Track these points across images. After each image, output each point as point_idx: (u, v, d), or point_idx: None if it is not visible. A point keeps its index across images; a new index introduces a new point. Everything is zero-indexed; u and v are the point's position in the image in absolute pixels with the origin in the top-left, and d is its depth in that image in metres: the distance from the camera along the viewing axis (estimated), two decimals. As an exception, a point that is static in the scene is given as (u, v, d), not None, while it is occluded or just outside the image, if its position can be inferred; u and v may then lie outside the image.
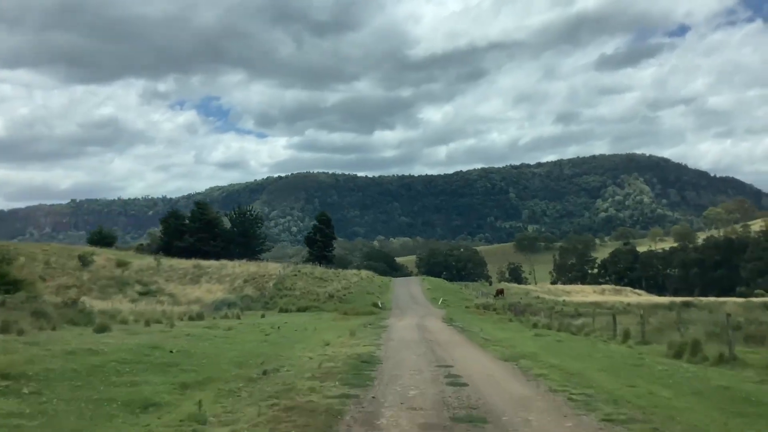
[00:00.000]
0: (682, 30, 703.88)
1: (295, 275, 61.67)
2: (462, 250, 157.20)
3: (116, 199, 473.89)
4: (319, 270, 67.93)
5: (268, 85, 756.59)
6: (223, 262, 64.95)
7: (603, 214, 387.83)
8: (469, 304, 52.77)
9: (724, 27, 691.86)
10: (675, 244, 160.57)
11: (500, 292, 63.72)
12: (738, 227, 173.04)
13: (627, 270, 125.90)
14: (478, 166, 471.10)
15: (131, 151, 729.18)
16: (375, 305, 48.44)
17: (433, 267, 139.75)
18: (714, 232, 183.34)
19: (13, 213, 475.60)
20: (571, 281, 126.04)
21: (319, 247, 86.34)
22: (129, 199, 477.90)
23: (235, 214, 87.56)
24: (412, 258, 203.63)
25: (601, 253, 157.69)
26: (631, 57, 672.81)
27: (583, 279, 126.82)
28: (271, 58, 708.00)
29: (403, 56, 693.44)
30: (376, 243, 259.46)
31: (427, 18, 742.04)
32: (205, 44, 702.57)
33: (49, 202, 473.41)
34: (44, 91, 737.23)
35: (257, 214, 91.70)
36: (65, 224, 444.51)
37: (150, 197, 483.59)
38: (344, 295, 54.94)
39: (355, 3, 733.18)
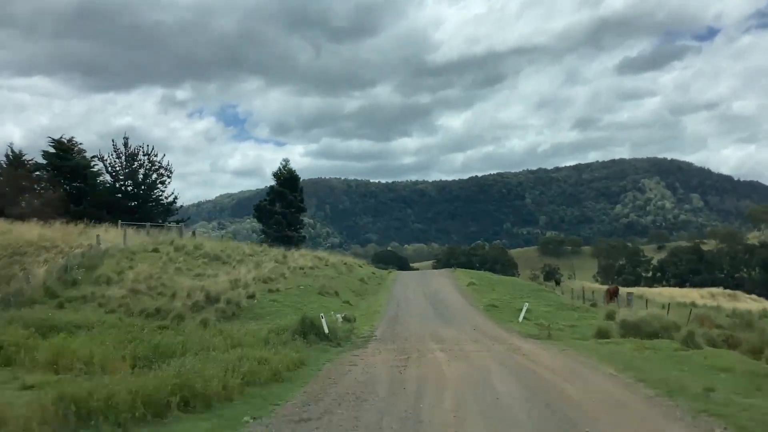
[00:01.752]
0: (711, 33, 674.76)
1: (150, 252, 31.29)
2: (486, 248, 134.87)
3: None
4: (214, 245, 36.66)
5: (285, 92, 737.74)
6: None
7: (624, 220, 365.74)
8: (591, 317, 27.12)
9: (755, 30, 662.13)
10: (721, 245, 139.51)
11: (614, 293, 38.62)
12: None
13: (690, 272, 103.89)
14: (495, 171, 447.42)
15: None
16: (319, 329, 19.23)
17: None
18: (763, 234, 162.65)
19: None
20: (627, 284, 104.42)
21: (278, 224, 55.74)
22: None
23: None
24: (428, 263, 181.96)
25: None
26: (656, 60, 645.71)
27: (637, 282, 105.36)
28: (289, 65, 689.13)
29: (422, 61, 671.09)
30: (389, 249, 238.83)
31: (448, 22, 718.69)
32: (222, 51, 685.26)
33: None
34: (62, 100, 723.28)
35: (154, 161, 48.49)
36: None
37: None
38: (248, 305, 25.27)
39: (375, 8, 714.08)
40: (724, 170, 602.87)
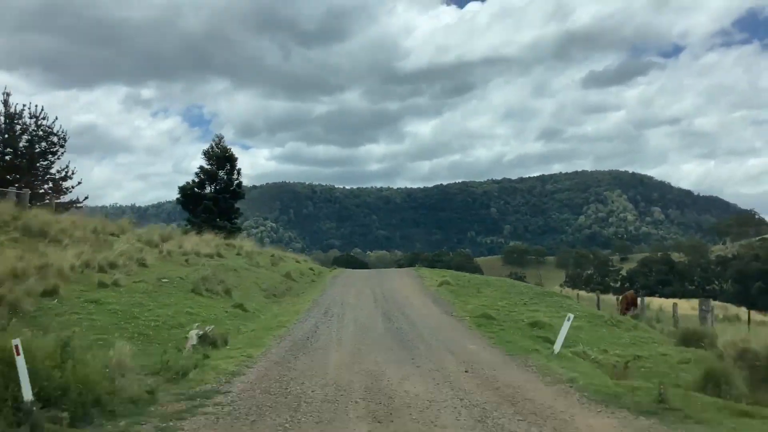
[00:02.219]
0: (676, 50, 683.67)
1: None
2: (451, 255, 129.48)
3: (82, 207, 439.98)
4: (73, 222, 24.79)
5: (253, 94, 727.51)
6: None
7: (587, 231, 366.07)
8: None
9: (718, 48, 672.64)
10: (683, 259, 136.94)
11: (631, 302, 27.24)
12: (756, 240, 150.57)
13: (659, 283, 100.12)
14: (460, 180, 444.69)
15: (112, 159, 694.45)
16: None
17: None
18: (728, 247, 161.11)
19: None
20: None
21: (207, 211, 46.77)
22: (95, 206, 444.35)
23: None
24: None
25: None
26: (621, 75, 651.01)
27: (605, 291, 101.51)
28: (257, 67, 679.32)
29: (392, 68, 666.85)
30: (351, 254, 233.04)
31: (418, 31, 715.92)
32: (189, 50, 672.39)
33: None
34: (22, 95, 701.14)
35: (43, 125, 36.84)
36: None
37: (119, 206, 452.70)
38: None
39: (345, 13, 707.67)
40: (684, 185, 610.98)
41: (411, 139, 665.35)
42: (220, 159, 51.01)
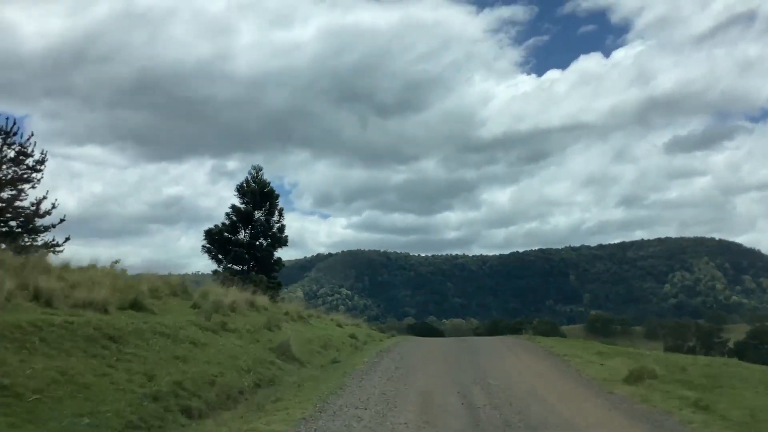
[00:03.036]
0: (764, 113, 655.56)
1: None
2: (535, 322, 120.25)
3: (167, 273, 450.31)
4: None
5: (331, 164, 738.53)
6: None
7: (673, 300, 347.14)
8: None
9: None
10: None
11: None
12: None
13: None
14: (537, 247, 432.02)
15: (198, 227, 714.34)
16: None
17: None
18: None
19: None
20: None
21: (237, 259, 39.15)
22: (177, 273, 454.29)
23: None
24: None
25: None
26: (705, 140, 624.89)
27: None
28: (335, 138, 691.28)
29: (468, 137, 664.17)
30: (426, 321, 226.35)
31: (496, 100, 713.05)
32: (271, 124, 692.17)
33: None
34: (116, 169, 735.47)
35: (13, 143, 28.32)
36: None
37: (200, 273, 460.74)
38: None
39: (422, 85, 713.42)
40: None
41: (487, 206, 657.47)
42: (258, 196, 41.27)
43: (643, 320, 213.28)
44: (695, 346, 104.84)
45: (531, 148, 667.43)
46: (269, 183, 42.90)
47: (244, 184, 41.98)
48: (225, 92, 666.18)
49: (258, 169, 42.47)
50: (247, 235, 41.33)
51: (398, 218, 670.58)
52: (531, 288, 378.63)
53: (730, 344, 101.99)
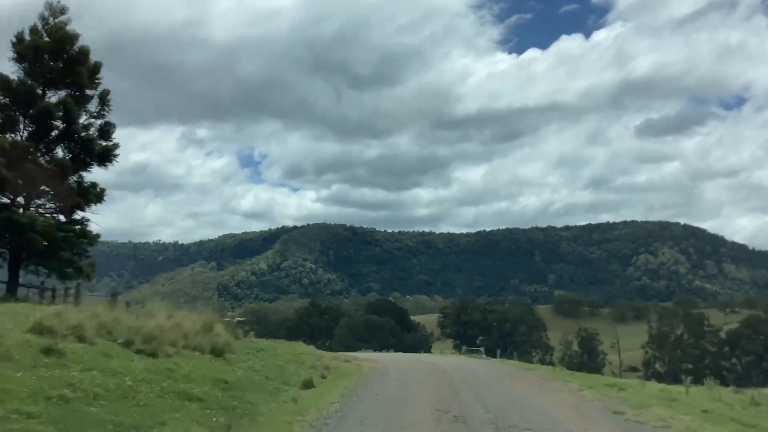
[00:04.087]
0: (739, 101, 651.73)
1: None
2: (507, 304, 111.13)
3: (127, 242, 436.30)
4: None
5: (303, 136, 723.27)
6: None
7: (636, 283, 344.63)
8: None
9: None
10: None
11: None
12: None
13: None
14: (504, 227, 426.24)
15: (165, 197, 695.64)
16: None
17: (464, 328, 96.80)
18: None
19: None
20: (698, 362, 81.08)
21: None
22: (139, 243, 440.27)
23: None
24: (432, 317, 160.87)
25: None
26: (678, 125, 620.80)
27: (702, 357, 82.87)
28: (309, 109, 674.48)
29: (443, 114, 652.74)
30: (390, 299, 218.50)
31: (473, 77, 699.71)
32: (244, 93, 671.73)
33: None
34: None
35: None
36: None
37: (162, 242, 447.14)
38: None
39: (399, 59, 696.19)
40: (739, 239, 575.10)
41: (459, 184, 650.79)
42: (51, 58, 23.85)
43: (610, 302, 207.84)
44: (683, 333, 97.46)
45: (505, 128, 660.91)
46: (78, 36, 24.13)
47: (27, 36, 23.53)
48: (197, 58, 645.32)
49: (58, 9, 24.32)
50: (26, 135, 23.15)
51: (368, 193, 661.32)
52: (497, 267, 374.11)
53: (722, 334, 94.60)
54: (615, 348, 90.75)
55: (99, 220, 24.00)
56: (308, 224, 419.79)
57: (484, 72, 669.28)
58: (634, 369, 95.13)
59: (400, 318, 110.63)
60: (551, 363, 78.10)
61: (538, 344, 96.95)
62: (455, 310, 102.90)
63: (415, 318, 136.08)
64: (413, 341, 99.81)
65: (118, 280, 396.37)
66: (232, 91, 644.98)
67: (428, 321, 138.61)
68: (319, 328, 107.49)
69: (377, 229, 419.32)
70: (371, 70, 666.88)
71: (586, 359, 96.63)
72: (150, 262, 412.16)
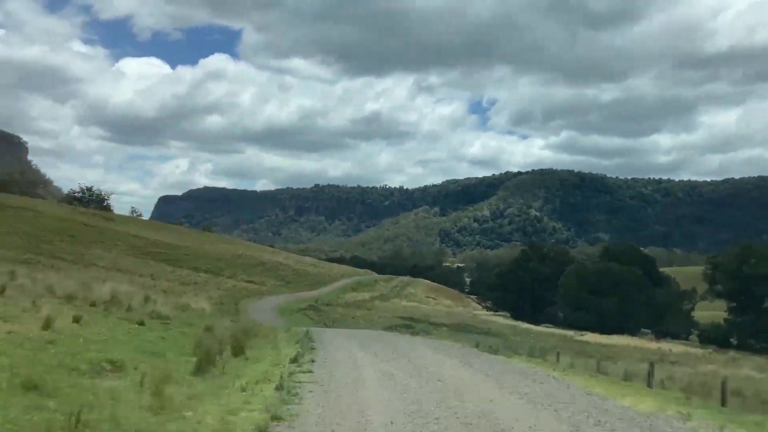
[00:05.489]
0: None
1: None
2: None
3: (355, 186, 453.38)
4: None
5: (532, 81, 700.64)
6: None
7: None
8: None
9: None
10: None
11: None
12: None
13: None
14: (756, 175, 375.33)
15: (396, 145, 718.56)
16: None
17: (745, 284, 79.41)
18: None
19: (264, 195, 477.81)
20: None
21: None
22: (366, 187, 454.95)
23: None
24: (684, 269, 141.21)
25: None
26: None
27: None
28: (540, 53, 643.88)
29: (688, 52, 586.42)
30: (633, 245, 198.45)
31: (730, 10, 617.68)
32: (473, 38, 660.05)
33: (295, 186, 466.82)
34: (321, 83, 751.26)
35: None
36: (307, 208, 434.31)
37: (388, 187, 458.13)
38: None
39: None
40: None
41: (704, 129, 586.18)
42: None
43: None
44: None
45: (764, 65, 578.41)
46: None
47: None
48: (428, 3, 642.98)
49: None
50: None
51: (600, 140, 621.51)
52: (746, 219, 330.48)
53: None
54: None
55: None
56: (533, 170, 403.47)
57: (744, 3, 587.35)
58: None
59: (649, 267, 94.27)
60: None
61: None
62: (735, 261, 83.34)
63: (665, 269, 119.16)
64: (662, 300, 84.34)
65: (348, 223, 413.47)
66: (462, 37, 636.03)
67: (677, 272, 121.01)
68: (540, 277, 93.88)
69: (608, 176, 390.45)
70: (610, 6, 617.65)
71: None
72: (376, 206, 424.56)
